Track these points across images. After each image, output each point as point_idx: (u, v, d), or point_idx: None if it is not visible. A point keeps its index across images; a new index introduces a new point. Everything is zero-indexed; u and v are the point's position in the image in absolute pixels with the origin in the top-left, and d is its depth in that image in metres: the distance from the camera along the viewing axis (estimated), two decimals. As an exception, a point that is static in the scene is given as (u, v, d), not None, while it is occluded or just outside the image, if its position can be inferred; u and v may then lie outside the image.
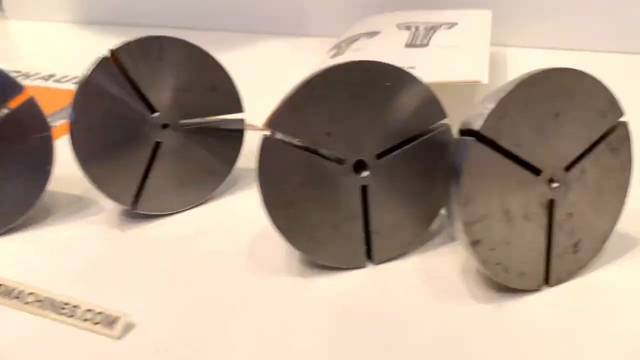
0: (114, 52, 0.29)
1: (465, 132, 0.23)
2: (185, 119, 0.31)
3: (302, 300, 0.25)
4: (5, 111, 0.29)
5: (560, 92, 0.23)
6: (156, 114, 0.30)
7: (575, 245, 0.25)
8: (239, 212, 0.32)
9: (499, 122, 0.22)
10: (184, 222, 0.31)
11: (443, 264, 0.27)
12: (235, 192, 0.33)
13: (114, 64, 0.29)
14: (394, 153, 0.26)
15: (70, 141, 0.28)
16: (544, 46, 0.58)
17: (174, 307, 0.25)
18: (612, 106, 0.24)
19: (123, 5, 0.71)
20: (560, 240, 0.24)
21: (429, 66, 0.40)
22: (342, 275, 0.26)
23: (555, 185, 0.24)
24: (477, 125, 0.22)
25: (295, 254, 0.27)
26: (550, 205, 0.24)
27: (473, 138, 0.22)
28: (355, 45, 0.48)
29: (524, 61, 0.56)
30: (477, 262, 0.23)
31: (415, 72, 0.39)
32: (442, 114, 0.26)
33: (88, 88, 0.28)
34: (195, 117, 0.31)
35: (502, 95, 0.22)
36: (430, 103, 0.26)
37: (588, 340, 0.23)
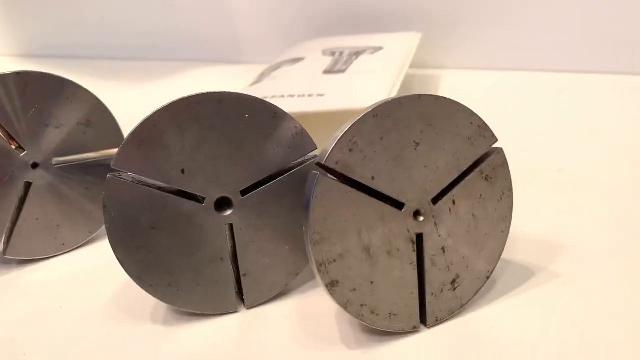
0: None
1: (318, 164, 0.21)
2: (58, 156, 0.29)
3: (159, 353, 0.23)
4: None
5: (419, 120, 0.22)
6: (24, 153, 0.28)
7: (453, 282, 0.23)
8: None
9: (349, 155, 0.21)
10: (58, 266, 0.29)
11: (320, 304, 0.25)
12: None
13: None
14: (260, 189, 0.24)
15: None
16: (481, 67, 0.57)
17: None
18: (482, 132, 0.23)
19: (61, 37, 0.69)
20: (435, 277, 0.23)
21: (335, 93, 0.39)
22: (211, 322, 0.25)
23: (421, 218, 0.22)
24: (323, 158, 0.21)
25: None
26: (419, 240, 0.22)
27: (318, 172, 0.21)
28: (274, 73, 0.47)
29: (459, 83, 0.55)
30: (338, 305, 0.22)
31: (323, 100, 0.38)
32: (312, 145, 0.25)
33: None
34: (70, 155, 0.29)
35: (347, 127, 0.21)
36: (298, 134, 0.24)
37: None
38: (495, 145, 0.24)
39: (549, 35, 0.53)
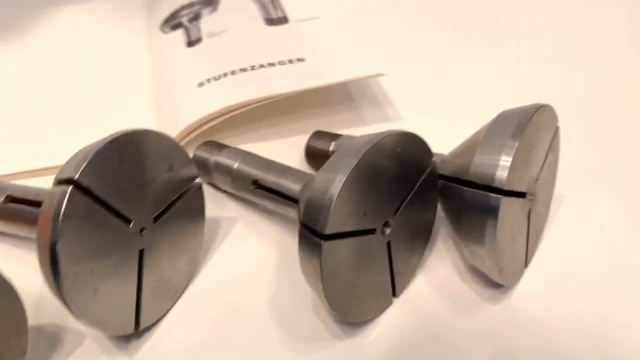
0: (75, 181, 0.23)
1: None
2: (154, 212, 0.27)
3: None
4: None
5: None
6: (132, 223, 0.26)
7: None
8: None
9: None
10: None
11: (449, 275, 0.31)
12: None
13: (79, 192, 0.23)
14: (403, 204, 0.28)
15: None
16: None
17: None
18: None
19: None
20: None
21: (321, 62, 0.38)
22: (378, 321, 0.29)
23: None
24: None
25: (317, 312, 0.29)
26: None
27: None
28: (206, 25, 0.43)
29: None
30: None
31: (305, 67, 0.38)
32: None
33: (64, 224, 0.23)
34: (161, 206, 0.28)
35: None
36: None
37: None
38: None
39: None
